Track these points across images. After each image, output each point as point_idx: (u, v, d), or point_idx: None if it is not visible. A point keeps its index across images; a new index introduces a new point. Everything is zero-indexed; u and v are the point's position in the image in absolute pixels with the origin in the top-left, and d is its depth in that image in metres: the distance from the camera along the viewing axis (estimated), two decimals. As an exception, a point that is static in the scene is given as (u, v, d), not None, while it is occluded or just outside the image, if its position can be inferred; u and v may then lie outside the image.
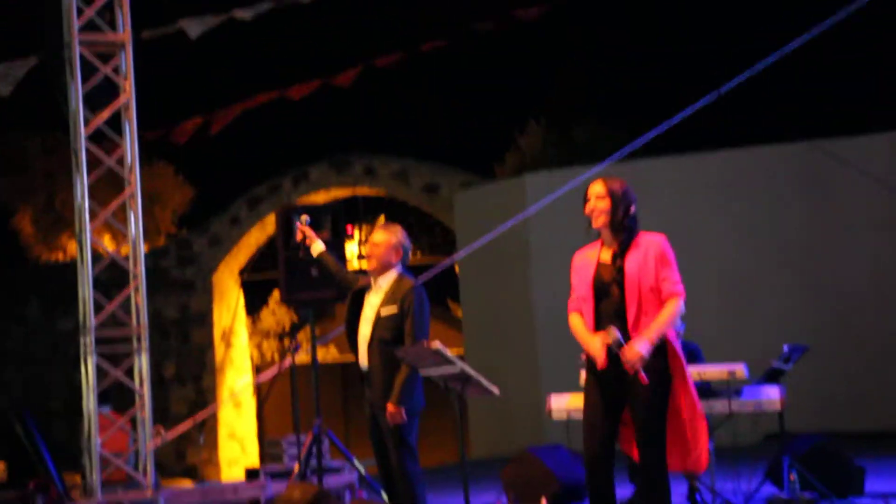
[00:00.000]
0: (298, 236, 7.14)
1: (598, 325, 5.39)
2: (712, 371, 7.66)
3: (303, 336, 16.61)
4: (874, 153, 13.27)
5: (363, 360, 6.47)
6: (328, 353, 20.94)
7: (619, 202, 5.41)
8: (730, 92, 9.84)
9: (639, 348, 5.18)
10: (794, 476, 7.57)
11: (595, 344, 5.33)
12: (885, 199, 13.01)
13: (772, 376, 8.04)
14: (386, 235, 6.57)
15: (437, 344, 5.54)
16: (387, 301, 6.43)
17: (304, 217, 7.23)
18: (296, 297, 8.83)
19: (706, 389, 7.84)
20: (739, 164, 13.87)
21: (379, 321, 6.40)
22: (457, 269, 15.81)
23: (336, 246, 8.86)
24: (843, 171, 13.07)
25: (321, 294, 8.77)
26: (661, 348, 5.31)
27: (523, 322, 14.32)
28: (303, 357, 13.20)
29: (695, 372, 7.60)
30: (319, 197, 17.46)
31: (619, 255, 5.39)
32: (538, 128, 17.82)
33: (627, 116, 17.01)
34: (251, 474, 9.42)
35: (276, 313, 21.91)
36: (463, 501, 6.33)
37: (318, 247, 7.07)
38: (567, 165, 14.81)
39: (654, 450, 5.26)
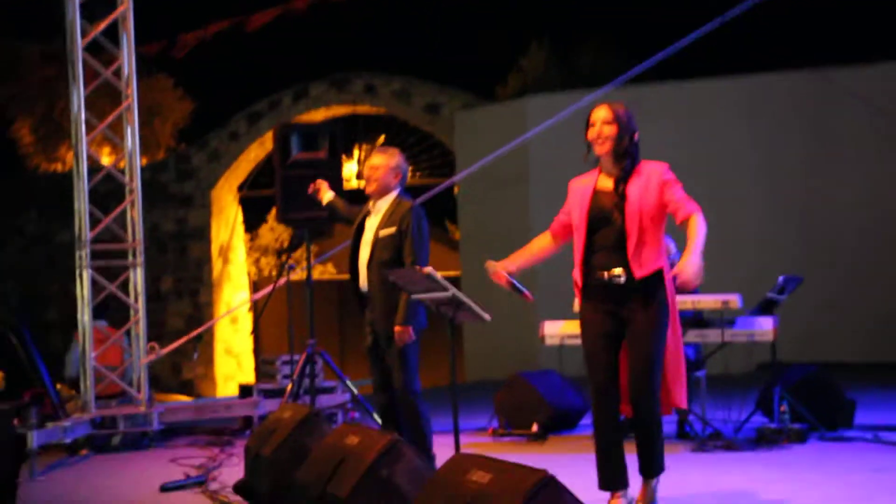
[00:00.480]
0: (310, 189, 7.19)
1: (593, 255, 5.24)
2: (706, 301, 7.66)
3: (300, 254, 16.62)
4: (872, 82, 13.17)
5: (363, 282, 6.46)
6: (325, 271, 20.98)
7: (625, 128, 5.22)
8: (732, 19, 9.72)
9: (693, 262, 4.91)
10: (784, 407, 7.60)
11: (499, 264, 5.40)
12: (882, 129, 12.93)
13: (766, 307, 8.04)
14: (384, 158, 6.53)
15: (428, 268, 5.51)
16: (385, 222, 6.41)
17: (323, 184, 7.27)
18: (292, 216, 8.79)
19: (699, 319, 7.85)
20: (740, 90, 13.80)
21: (378, 242, 6.38)
22: (456, 190, 15.78)
23: (332, 166, 8.82)
24: (842, 100, 12.99)
25: (317, 213, 8.73)
26: (660, 279, 5.17)
27: (520, 245, 14.28)
28: (300, 274, 13.29)
29: (689, 301, 7.62)
30: (319, 114, 17.36)
31: (622, 181, 5.21)
32: (540, 50, 17.67)
33: (630, 40, 16.85)
34: (245, 391, 9.46)
35: (274, 230, 21.92)
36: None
37: (327, 196, 7.09)
38: (569, 89, 14.72)
39: (648, 383, 5.12)
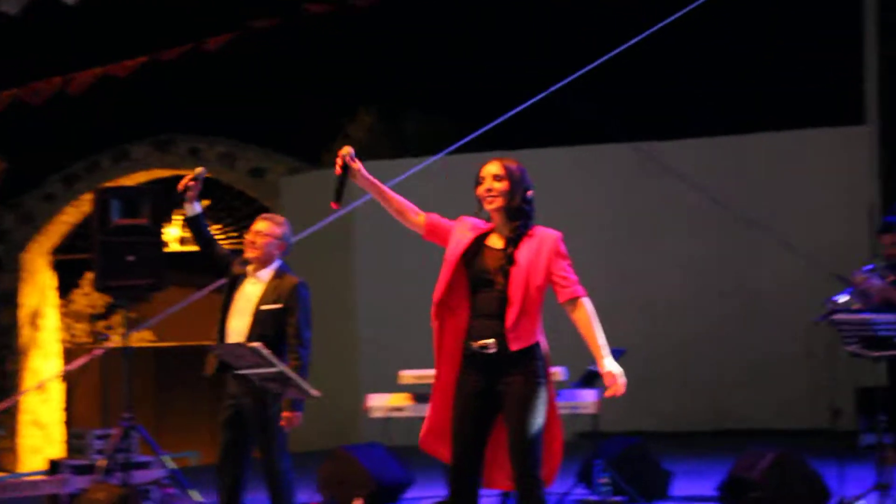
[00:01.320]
0: (181, 185, 6.56)
1: (470, 322, 4.93)
2: (531, 373, 7.66)
3: (116, 320, 16.14)
4: (685, 157, 13.58)
5: None
6: (142, 339, 20.35)
7: (518, 184, 4.96)
8: (561, 91, 9.89)
9: (615, 368, 4.86)
10: (605, 479, 7.66)
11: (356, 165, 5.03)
12: (696, 202, 13.27)
13: (588, 379, 8.13)
14: (270, 226, 6.32)
15: (256, 343, 5.38)
16: (268, 296, 6.19)
17: (200, 170, 6.70)
18: (111, 283, 8.49)
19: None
20: (567, 162, 14.07)
21: (259, 315, 6.15)
22: (280, 256, 15.59)
23: (155, 232, 8.59)
24: (659, 172, 13.37)
25: (137, 281, 8.47)
26: (537, 352, 4.92)
27: (344, 313, 14.19)
28: (118, 341, 12.84)
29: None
30: (140, 177, 17.01)
31: (512, 244, 4.95)
32: (368, 116, 17.70)
33: (459, 109, 17.03)
34: (54, 466, 9.01)
35: (89, 295, 21.19)
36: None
37: (194, 208, 6.56)
38: (396, 156, 14.77)
39: (527, 463, 4.82)
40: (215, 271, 6.54)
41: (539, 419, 4.87)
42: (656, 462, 8.21)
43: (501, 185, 4.97)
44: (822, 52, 15.67)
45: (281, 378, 5.41)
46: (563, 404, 7.80)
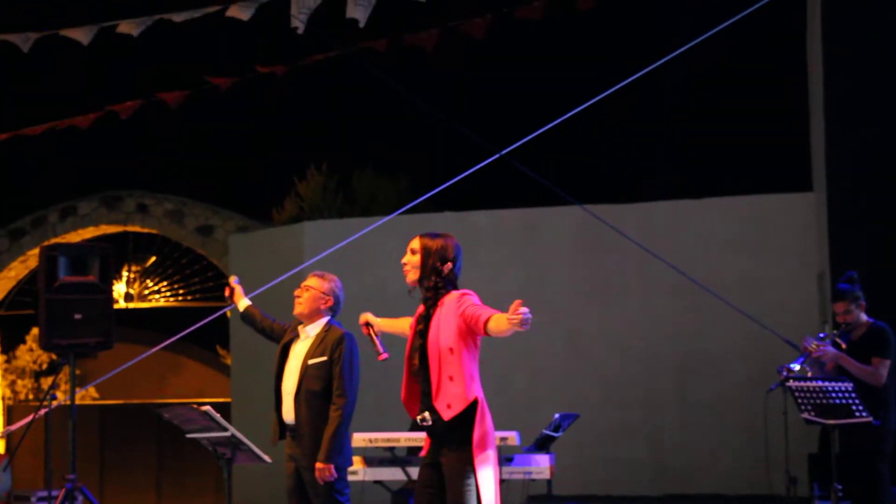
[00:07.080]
0: (226, 292, 6.95)
1: (418, 401, 5.02)
2: (485, 437, 7.59)
3: (60, 378, 15.82)
4: (639, 220, 13.50)
5: (289, 413, 6.13)
6: (86, 395, 20.06)
7: (429, 258, 5.02)
8: (514, 153, 9.92)
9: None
10: (559, 546, 7.59)
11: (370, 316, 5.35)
12: (645, 265, 13.14)
13: (542, 444, 8.09)
14: (317, 281, 6.34)
15: (206, 407, 5.27)
16: (314, 350, 6.15)
17: (234, 278, 7.03)
18: (57, 342, 8.32)
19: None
20: (518, 223, 14.01)
21: (307, 371, 6.11)
22: (228, 314, 15.43)
23: (103, 290, 8.45)
24: (611, 237, 13.27)
25: (84, 339, 8.31)
26: (472, 413, 4.85)
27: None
28: (62, 396, 12.55)
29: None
30: (88, 233, 16.81)
31: (424, 319, 5.01)
32: (319, 175, 17.65)
33: (408, 170, 17.07)
34: (-5, 530, 8.79)
35: (33, 350, 20.86)
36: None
37: (243, 303, 6.80)
38: (347, 214, 14.70)
39: None
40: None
41: (471, 491, 4.81)
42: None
43: (414, 260, 5.08)
44: (771, 118, 15.94)
45: (232, 442, 5.30)
46: (516, 469, 7.76)
